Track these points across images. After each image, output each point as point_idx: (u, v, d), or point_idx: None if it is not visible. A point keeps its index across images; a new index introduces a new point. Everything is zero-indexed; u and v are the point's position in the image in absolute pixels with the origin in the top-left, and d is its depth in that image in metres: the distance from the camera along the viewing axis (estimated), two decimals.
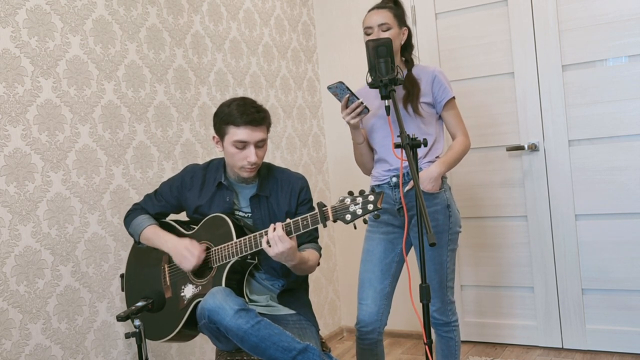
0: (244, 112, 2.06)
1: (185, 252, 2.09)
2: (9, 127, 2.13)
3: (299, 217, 1.95)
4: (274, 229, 1.93)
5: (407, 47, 2.45)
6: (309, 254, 2.12)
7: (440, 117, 2.43)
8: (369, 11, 2.40)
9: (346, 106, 2.29)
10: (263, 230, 1.99)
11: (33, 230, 2.19)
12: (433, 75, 2.39)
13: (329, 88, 2.25)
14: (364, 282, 2.40)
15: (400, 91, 2.37)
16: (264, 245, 1.95)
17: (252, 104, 2.11)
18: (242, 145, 2.07)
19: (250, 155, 2.07)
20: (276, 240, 1.92)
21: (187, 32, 2.90)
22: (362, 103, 2.26)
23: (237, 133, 2.06)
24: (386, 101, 2.15)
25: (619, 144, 3.06)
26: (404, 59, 2.45)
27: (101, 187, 2.44)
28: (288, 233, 1.95)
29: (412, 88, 2.36)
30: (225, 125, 2.09)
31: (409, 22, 2.50)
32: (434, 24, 3.43)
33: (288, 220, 1.96)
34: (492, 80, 3.34)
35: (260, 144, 2.10)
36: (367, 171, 2.54)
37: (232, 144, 2.08)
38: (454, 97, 2.40)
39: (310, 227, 1.92)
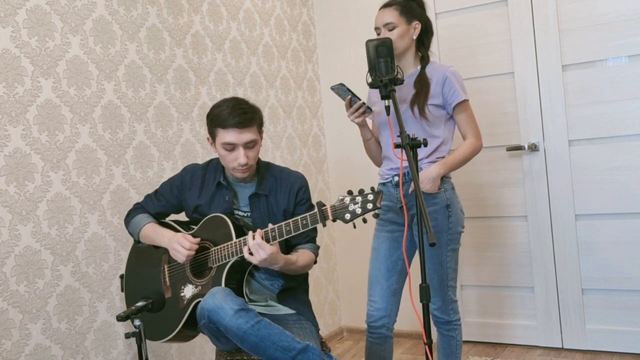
0: (230, 114, 2.05)
1: (176, 245, 2.09)
2: (9, 127, 2.13)
3: (299, 217, 1.95)
4: (253, 237, 1.95)
5: (423, 39, 2.42)
6: (298, 254, 2.12)
7: (452, 118, 2.41)
8: (379, 10, 2.40)
9: (350, 106, 2.31)
10: (242, 238, 2.01)
11: (33, 230, 2.19)
12: (444, 76, 2.35)
13: (332, 88, 2.28)
14: (371, 280, 2.46)
15: (411, 90, 2.36)
16: (246, 254, 1.96)
17: (241, 104, 2.09)
18: (231, 147, 2.07)
19: (240, 157, 2.07)
20: (257, 249, 1.94)
21: (187, 32, 2.90)
22: (364, 104, 2.28)
23: (225, 136, 2.06)
24: (386, 101, 2.15)
25: (619, 144, 3.06)
26: (420, 54, 2.43)
27: (101, 187, 2.44)
28: (287, 233, 1.96)
29: (421, 88, 2.34)
30: (214, 127, 2.10)
31: (429, 13, 2.45)
32: (434, 24, 3.42)
33: (280, 224, 1.98)
34: (492, 80, 3.34)
35: (250, 145, 2.09)
36: (379, 164, 2.57)
37: (222, 146, 2.08)
38: (466, 100, 2.36)
39: (310, 227, 1.92)
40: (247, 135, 2.07)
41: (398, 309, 2.46)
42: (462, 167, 2.42)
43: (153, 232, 2.21)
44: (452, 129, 2.43)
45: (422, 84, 2.35)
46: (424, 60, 2.41)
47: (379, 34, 2.37)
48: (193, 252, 2.09)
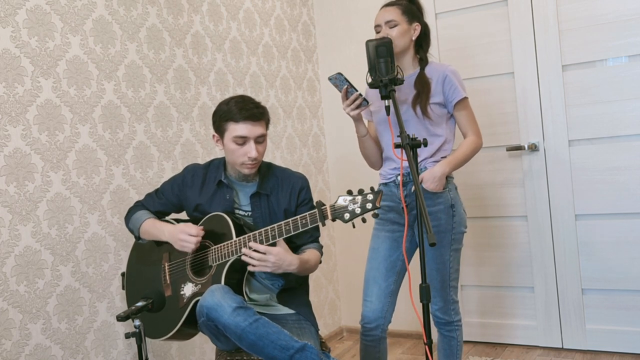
0: (242, 108, 2.07)
1: (182, 235, 2.09)
2: (9, 127, 2.13)
3: (298, 216, 1.95)
4: (251, 249, 1.99)
5: (422, 43, 2.43)
6: (309, 254, 2.13)
7: (452, 117, 2.42)
8: (380, 9, 2.41)
9: (346, 97, 2.29)
10: (242, 237, 2.02)
11: (33, 230, 2.19)
12: (444, 74, 2.36)
13: (330, 79, 2.27)
14: (368, 280, 2.42)
15: (411, 90, 2.36)
16: (254, 269, 2.00)
17: (251, 100, 2.12)
18: (242, 140, 2.08)
19: (251, 150, 2.08)
20: (263, 258, 1.97)
21: (187, 32, 2.90)
22: (360, 95, 2.27)
23: (237, 129, 2.07)
24: (386, 101, 2.15)
25: (619, 144, 3.06)
26: (418, 56, 2.43)
27: (101, 187, 2.45)
28: (287, 232, 1.96)
29: (422, 88, 2.34)
30: (224, 122, 2.10)
31: (427, 18, 2.47)
32: (434, 24, 3.43)
33: (280, 223, 1.98)
34: (492, 80, 3.34)
35: (260, 140, 2.11)
36: (372, 164, 2.54)
37: (232, 140, 2.09)
38: (466, 97, 2.38)
39: (310, 226, 1.93)
40: (258, 129, 2.10)
41: (393, 310, 2.42)
42: (462, 167, 2.42)
43: (153, 227, 2.21)
44: (453, 127, 2.44)
45: (422, 84, 2.35)
46: (423, 61, 2.42)
47: (378, 32, 2.37)
48: (200, 239, 2.09)
